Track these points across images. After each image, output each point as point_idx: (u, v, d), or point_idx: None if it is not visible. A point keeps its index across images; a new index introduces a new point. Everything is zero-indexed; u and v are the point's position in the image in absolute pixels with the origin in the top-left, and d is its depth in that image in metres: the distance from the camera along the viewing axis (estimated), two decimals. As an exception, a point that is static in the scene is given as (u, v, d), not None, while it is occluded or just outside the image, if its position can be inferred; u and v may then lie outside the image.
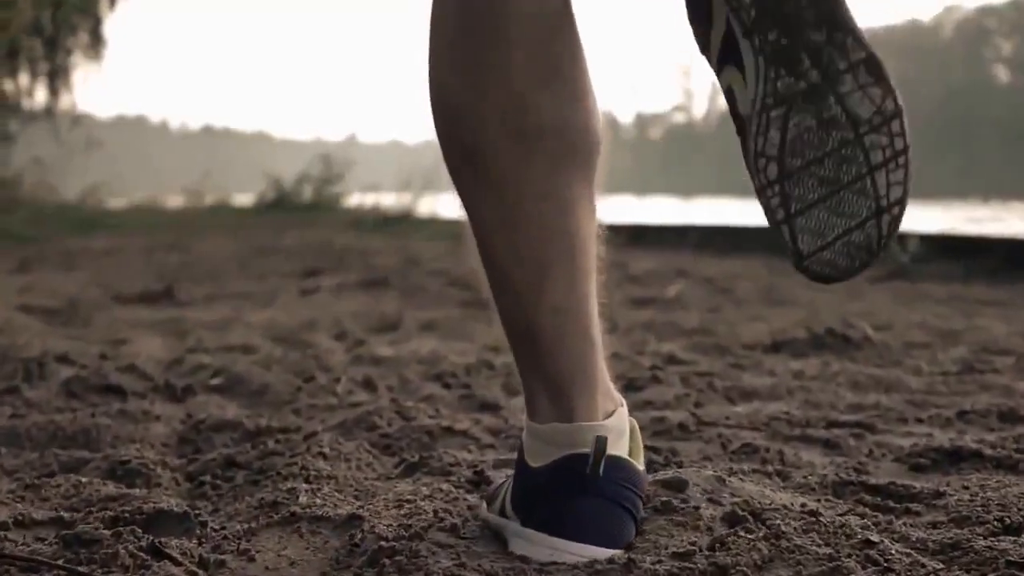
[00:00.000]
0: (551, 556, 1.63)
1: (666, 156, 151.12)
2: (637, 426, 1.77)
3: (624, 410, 1.74)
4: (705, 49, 1.65)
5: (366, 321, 5.31)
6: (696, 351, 3.58)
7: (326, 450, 2.21)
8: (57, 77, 26.24)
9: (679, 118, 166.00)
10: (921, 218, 17.61)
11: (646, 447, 2.01)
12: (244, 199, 21.82)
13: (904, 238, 8.28)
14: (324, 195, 18.91)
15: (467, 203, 1.71)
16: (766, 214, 1.59)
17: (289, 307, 5.87)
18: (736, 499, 1.81)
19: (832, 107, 1.54)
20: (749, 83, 1.59)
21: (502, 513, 1.78)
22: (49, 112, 25.48)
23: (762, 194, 1.59)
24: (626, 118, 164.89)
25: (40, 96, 26.04)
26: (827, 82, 1.54)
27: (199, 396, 2.91)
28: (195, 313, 5.59)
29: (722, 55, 1.62)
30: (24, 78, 26.10)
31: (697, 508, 1.76)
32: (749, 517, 1.73)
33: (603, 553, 1.62)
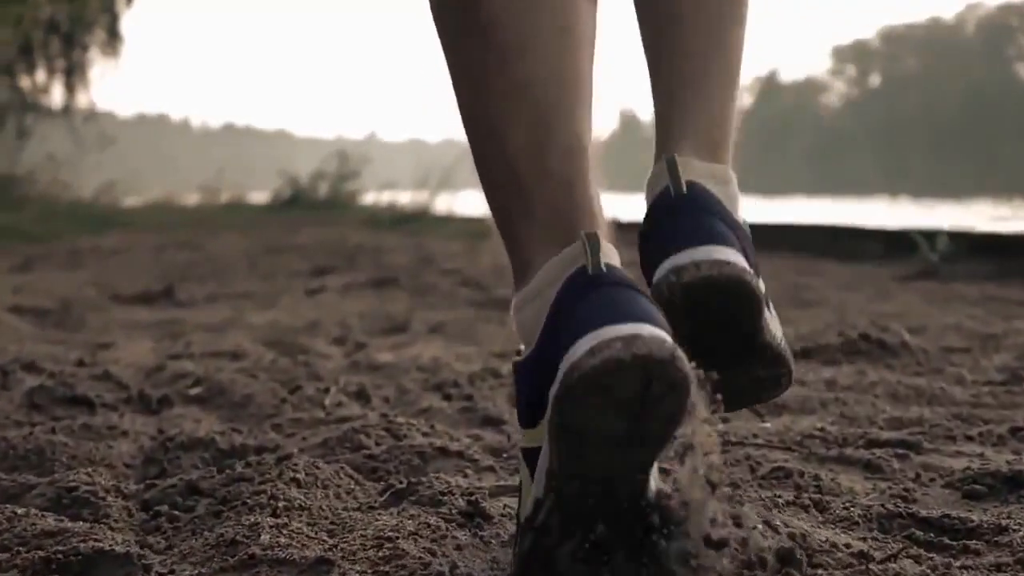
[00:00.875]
0: (591, 343, 1.32)
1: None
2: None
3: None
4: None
5: (371, 323, 5.06)
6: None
7: (301, 475, 1.93)
8: (73, 74, 26.12)
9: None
10: (946, 216, 17.33)
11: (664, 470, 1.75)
12: (261, 197, 21.64)
13: (933, 236, 8.01)
14: (340, 192, 18.67)
15: (456, 55, 1.57)
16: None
17: (292, 308, 5.61)
18: (776, 539, 1.55)
19: None
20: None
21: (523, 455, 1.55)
22: (66, 109, 25.35)
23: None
24: (646, 115, 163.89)
25: (57, 93, 25.94)
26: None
27: (175, 408, 2.64)
28: (193, 314, 5.35)
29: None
30: (41, 75, 26.02)
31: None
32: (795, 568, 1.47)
33: (641, 328, 1.34)
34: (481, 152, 1.57)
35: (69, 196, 17.73)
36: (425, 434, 2.23)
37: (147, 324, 4.98)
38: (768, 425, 2.38)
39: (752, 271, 1.59)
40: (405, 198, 16.86)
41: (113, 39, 26.97)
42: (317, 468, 1.98)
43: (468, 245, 9.76)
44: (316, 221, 15.39)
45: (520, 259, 1.54)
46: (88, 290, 6.10)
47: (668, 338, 1.34)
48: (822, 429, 2.30)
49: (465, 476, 2.06)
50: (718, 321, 1.53)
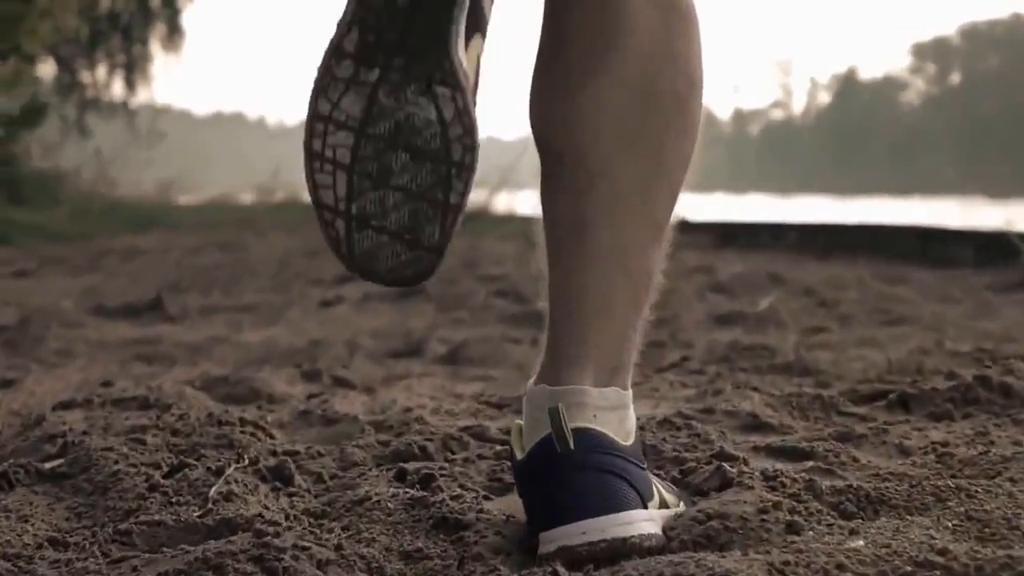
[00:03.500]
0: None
1: (763, 152, 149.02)
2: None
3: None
4: None
5: (381, 343, 4.31)
6: (788, 407, 2.48)
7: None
8: (134, 69, 25.64)
9: (777, 114, 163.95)
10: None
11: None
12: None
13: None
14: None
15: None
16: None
17: (297, 323, 4.86)
18: None
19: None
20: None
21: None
22: (125, 105, 24.86)
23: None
24: (724, 114, 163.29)
25: (117, 89, 25.46)
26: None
27: (16, 491, 1.87)
28: (178, 331, 4.61)
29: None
30: (102, 70, 25.54)
31: None
32: None
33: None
34: None
35: (115, 194, 17.12)
36: (322, 565, 1.43)
37: (118, 344, 4.25)
38: (860, 543, 1.55)
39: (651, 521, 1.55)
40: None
41: (174, 34, 26.50)
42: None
43: (521, 247, 8.96)
44: (370, 221, 14.69)
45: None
46: (69, 301, 5.36)
47: None
48: (946, 554, 1.47)
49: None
50: None
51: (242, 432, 2.07)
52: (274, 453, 2.00)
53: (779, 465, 1.97)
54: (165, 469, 1.85)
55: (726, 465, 1.83)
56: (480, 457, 2.01)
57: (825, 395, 2.44)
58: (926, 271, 7.47)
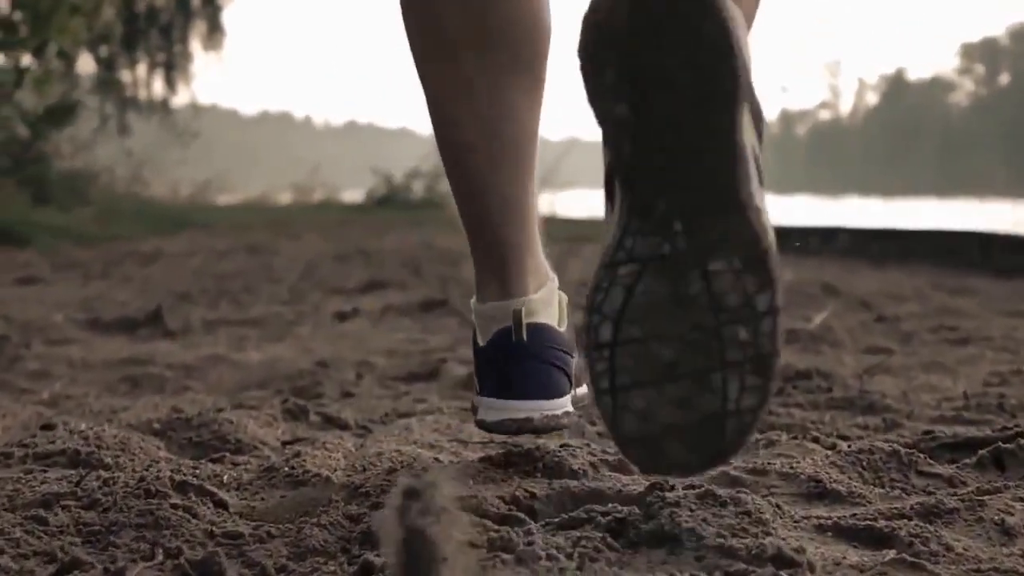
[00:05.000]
0: (501, 416, 1.86)
1: (811, 153, 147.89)
2: (564, 297, 1.97)
3: (553, 284, 1.95)
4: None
5: (394, 365, 3.89)
6: (858, 466, 2.01)
7: None
8: (174, 68, 25.41)
9: (825, 115, 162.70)
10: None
11: None
12: (358, 195, 20.70)
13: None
14: (436, 191, 17.57)
15: (433, 98, 1.86)
16: (590, 376, 1.40)
17: (306, 340, 4.45)
18: None
19: (693, 285, 1.35)
20: (608, 228, 1.43)
21: (477, 392, 1.94)
22: (165, 104, 24.62)
23: (589, 353, 1.40)
24: (771, 115, 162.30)
25: (158, 87, 25.23)
26: (695, 254, 1.35)
27: None
28: (172, 349, 4.20)
29: (605, 183, 1.48)
30: (142, 69, 25.30)
31: None
32: None
33: (543, 404, 1.86)
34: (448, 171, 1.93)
35: (147, 194, 16.81)
36: None
37: (103, 364, 3.84)
38: None
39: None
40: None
41: (215, 32, 26.27)
42: None
43: (559, 251, 8.54)
44: (408, 222, 14.32)
45: (478, 275, 1.96)
46: (62, 314, 4.95)
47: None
48: None
49: None
50: None
51: (175, 506, 1.64)
52: (211, 535, 1.58)
53: (851, 555, 1.55)
54: (52, 569, 1.42)
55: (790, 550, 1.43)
56: (472, 546, 1.58)
57: (902, 451, 1.99)
58: (989, 280, 7.01)
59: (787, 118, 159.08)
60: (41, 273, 7.38)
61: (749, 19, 1.58)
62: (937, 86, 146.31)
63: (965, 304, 5.63)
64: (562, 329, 1.92)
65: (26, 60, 14.43)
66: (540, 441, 2.11)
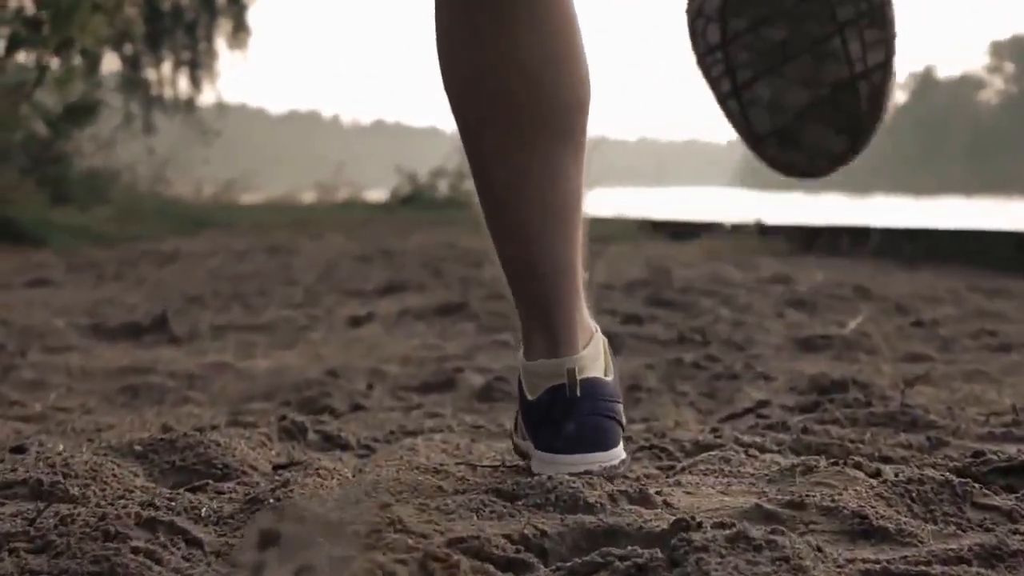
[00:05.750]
0: (558, 470, 1.86)
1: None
2: (606, 342, 1.98)
3: (598, 335, 1.96)
4: None
5: (407, 372, 3.72)
6: (906, 498, 1.79)
7: None
8: (199, 66, 25.27)
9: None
10: None
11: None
12: (381, 194, 20.52)
13: None
14: (460, 190, 17.37)
15: (477, 164, 1.89)
16: (710, 89, 1.39)
17: (317, 346, 4.27)
18: None
19: None
20: None
21: (522, 438, 2.02)
22: (190, 103, 24.49)
23: (703, 63, 1.41)
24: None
25: (183, 86, 25.10)
26: None
27: None
28: (176, 356, 4.03)
29: None
30: (167, 67, 25.17)
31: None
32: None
33: (601, 456, 1.90)
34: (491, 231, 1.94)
35: (169, 193, 16.64)
36: None
37: (103, 373, 3.67)
38: None
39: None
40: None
41: (240, 31, 26.11)
42: None
43: (586, 251, 8.33)
44: (432, 221, 14.13)
45: (524, 332, 1.97)
46: (65, 319, 4.77)
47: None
48: None
49: None
50: None
51: (136, 550, 1.45)
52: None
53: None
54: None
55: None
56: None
57: (955, 480, 1.79)
58: (1027, 282, 6.78)
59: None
60: (53, 275, 7.22)
61: None
62: (966, 84, 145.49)
63: (1002, 306, 5.41)
64: (610, 379, 1.95)
65: (54, 61, 14.30)
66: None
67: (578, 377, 1.88)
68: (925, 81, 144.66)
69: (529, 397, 1.94)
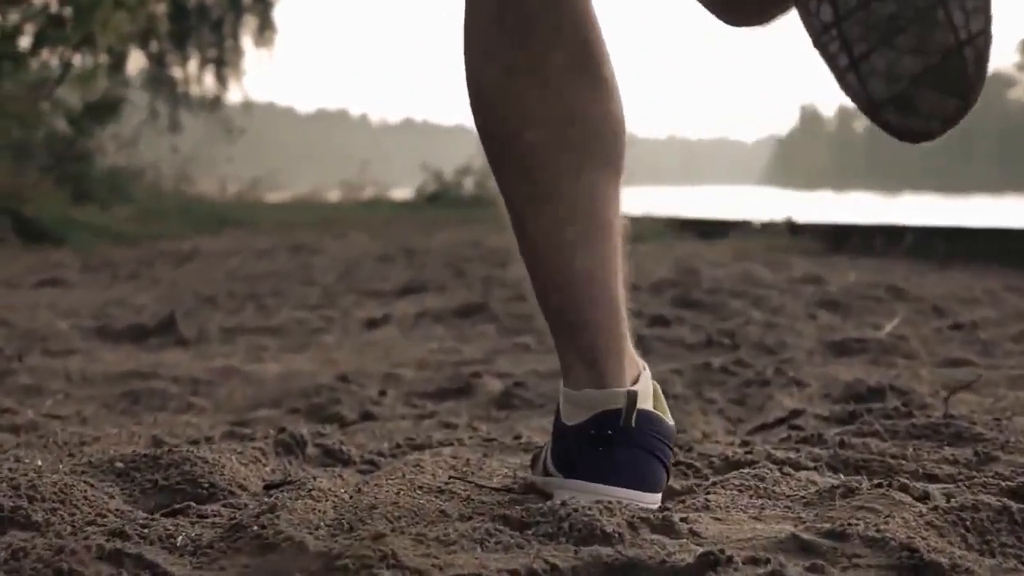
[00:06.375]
0: (594, 499, 1.68)
1: (869, 150, 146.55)
2: (659, 388, 1.86)
3: (647, 374, 1.85)
4: None
5: (423, 377, 3.56)
6: (959, 527, 1.61)
7: None
8: (225, 64, 25.16)
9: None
10: None
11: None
12: (407, 193, 20.37)
13: None
14: (486, 188, 17.20)
15: (503, 184, 1.82)
16: (828, 65, 1.44)
17: (330, 349, 4.11)
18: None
19: None
20: None
21: (546, 473, 1.87)
22: (217, 101, 24.38)
23: (819, 42, 1.44)
24: (829, 111, 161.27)
25: (209, 84, 25.00)
26: None
27: None
28: (185, 361, 3.87)
29: None
30: (193, 65, 25.06)
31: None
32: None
33: (641, 496, 1.73)
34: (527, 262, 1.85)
35: (193, 192, 16.51)
36: None
37: (104, 378, 3.52)
38: None
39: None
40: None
41: (266, 29, 26.00)
42: None
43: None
44: (457, 219, 13.97)
45: (562, 359, 1.84)
46: (70, 321, 4.61)
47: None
48: None
49: None
50: None
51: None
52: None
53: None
54: None
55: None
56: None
57: (1014, 507, 1.61)
58: (1064, 282, 6.57)
59: (845, 114, 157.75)
60: (67, 274, 7.07)
61: None
62: (996, 82, 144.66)
63: (1040, 307, 5.23)
64: (669, 422, 1.83)
65: (76, 58, 14.19)
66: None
67: (637, 406, 1.77)
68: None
69: (566, 422, 1.82)
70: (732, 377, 3.50)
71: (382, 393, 3.32)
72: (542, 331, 4.29)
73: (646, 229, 10.99)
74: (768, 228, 10.97)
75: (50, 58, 13.94)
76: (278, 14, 27.19)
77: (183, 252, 9.03)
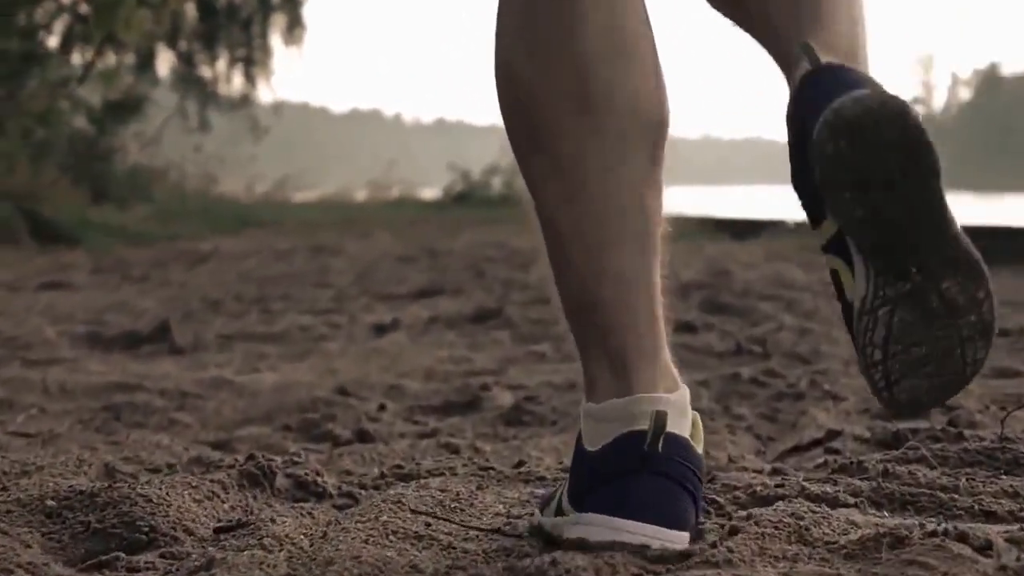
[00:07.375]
0: (612, 536, 1.54)
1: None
2: (699, 417, 1.70)
3: (686, 392, 1.69)
4: (812, 223, 1.64)
5: (429, 389, 3.31)
6: None
7: None
8: (254, 63, 25.00)
9: (918, 111, 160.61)
10: None
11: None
12: (436, 192, 20.17)
13: None
14: (514, 187, 16.97)
15: (531, 179, 1.70)
16: (868, 382, 1.59)
17: (332, 357, 3.86)
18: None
19: (933, 302, 1.56)
20: (858, 283, 1.57)
21: (559, 512, 1.68)
22: (245, 100, 24.22)
23: (867, 370, 1.57)
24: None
25: (237, 83, 24.84)
26: (930, 282, 1.56)
27: None
28: (176, 370, 3.63)
29: (830, 246, 1.60)
30: (222, 64, 24.90)
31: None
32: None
33: (666, 534, 1.56)
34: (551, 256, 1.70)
35: (216, 191, 16.32)
36: None
37: (86, 390, 3.28)
38: None
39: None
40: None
41: (295, 27, 25.83)
42: None
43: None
44: (483, 219, 13.74)
45: (587, 372, 1.67)
46: (56, 327, 4.37)
47: None
48: None
49: None
50: (891, 179, 1.55)
51: None
52: None
53: None
54: None
55: None
56: None
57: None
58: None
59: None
60: (75, 276, 6.86)
61: (863, 53, 1.69)
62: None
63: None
64: (699, 449, 1.66)
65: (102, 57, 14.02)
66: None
67: (665, 427, 1.60)
68: (990, 78, 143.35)
69: (588, 447, 1.64)
70: (763, 389, 3.26)
71: (381, 408, 3.08)
72: (559, 338, 4.04)
73: (677, 229, 10.74)
74: (802, 228, 10.70)
75: (73, 56, 13.77)
76: (309, 12, 27.01)
77: (199, 253, 8.80)
